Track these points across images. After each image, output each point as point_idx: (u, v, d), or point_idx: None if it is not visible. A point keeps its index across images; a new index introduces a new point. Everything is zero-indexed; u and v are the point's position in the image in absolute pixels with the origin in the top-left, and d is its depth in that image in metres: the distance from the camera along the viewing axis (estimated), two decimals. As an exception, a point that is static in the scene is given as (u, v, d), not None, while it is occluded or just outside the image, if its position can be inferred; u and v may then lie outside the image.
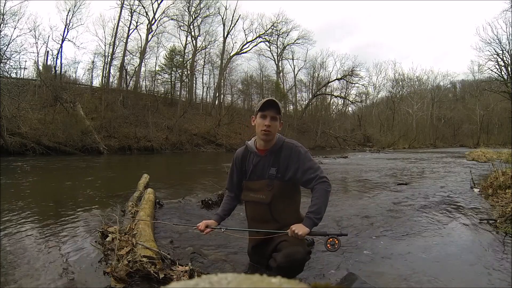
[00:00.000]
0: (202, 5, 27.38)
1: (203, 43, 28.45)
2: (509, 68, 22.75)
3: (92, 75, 24.20)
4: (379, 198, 4.26)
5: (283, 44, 33.67)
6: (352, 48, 73.44)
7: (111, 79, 24.40)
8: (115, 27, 23.66)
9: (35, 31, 20.28)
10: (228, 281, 0.30)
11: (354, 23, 77.44)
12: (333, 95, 36.79)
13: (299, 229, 1.53)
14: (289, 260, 1.51)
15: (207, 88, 31.39)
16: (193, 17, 27.21)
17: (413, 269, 1.92)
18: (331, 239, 1.51)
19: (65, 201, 3.94)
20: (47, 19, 49.09)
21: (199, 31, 28.03)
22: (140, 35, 25.95)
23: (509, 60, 22.51)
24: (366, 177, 6.81)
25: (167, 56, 27.51)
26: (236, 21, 29.62)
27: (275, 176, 1.75)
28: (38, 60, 20.89)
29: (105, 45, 23.61)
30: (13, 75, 15.51)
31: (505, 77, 23.07)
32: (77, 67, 36.40)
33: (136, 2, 24.35)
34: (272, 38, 32.69)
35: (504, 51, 22.67)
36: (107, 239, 2.03)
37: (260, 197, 1.77)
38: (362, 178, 6.76)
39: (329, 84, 35.65)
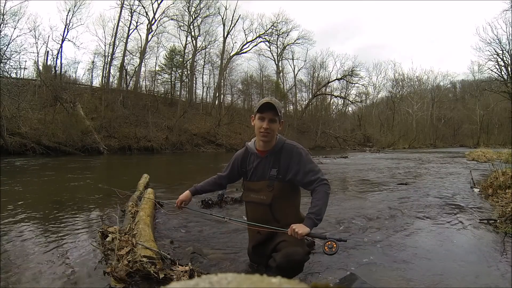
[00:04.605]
0: (202, 5, 27.39)
1: (203, 43, 28.48)
2: (509, 68, 22.73)
3: (92, 75, 24.21)
4: (379, 198, 4.26)
5: (283, 44, 33.67)
6: (354, 50, 73.80)
7: (111, 79, 24.40)
8: (115, 27, 23.66)
9: (35, 31, 20.31)
10: (228, 281, 0.30)
11: (356, 25, 77.72)
12: (333, 95, 36.81)
13: (299, 228, 1.54)
14: (289, 260, 1.51)
15: (207, 88, 31.43)
16: (193, 17, 27.21)
17: (413, 269, 1.92)
18: (329, 242, 1.50)
19: (65, 201, 3.94)
20: (47, 19, 48.96)
21: (199, 31, 28.04)
22: (140, 35, 25.95)
23: (509, 60, 22.49)
24: (366, 177, 6.81)
25: (167, 56, 27.53)
26: (236, 21, 29.65)
27: (276, 177, 1.75)
28: (38, 60, 20.90)
29: (105, 45, 23.62)
30: (13, 75, 15.51)
31: (505, 77, 23.05)
32: (77, 67, 36.41)
33: (136, 2, 24.37)
34: (272, 38, 32.71)
35: (504, 51, 22.64)
36: (107, 239, 2.03)
37: (261, 197, 1.77)
38: (362, 178, 6.76)
39: (329, 84, 35.67)
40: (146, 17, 25.23)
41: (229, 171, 1.98)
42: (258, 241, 1.81)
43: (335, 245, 1.49)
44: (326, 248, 1.49)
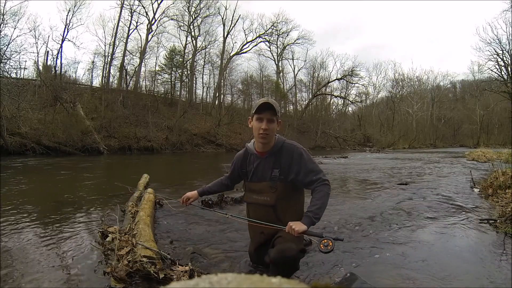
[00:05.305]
0: (202, 5, 27.38)
1: (203, 43, 28.47)
2: (509, 68, 22.72)
3: (92, 75, 24.23)
4: (379, 199, 4.26)
5: (283, 44, 33.67)
6: (354, 50, 73.91)
7: (111, 79, 24.39)
8: (115, 27, 23.66)
9: (35, 31, 20.31)
10: (228, 281, 0.30)
11: (356, 25, 77.80)
12: (333, 95, 36.80)
13: (297, 225, 1.54)
14: (282, 256, 1.51)
15: (207, 88, 31.44)
16: (193, 17, 27.20)
17: (413, 268, 1.92)
18: (325, 240, 1.51)
19: (65, 201, 3.94)
20: (47, 19, 48.93)
21: (199, 31, 28.02)
22: (140, 35, 25.94)
23: (509, 60, 22.49)
24: (366, 177, 6.81)
25: (167, 56, 27.53)
26: (236, 21, 29.62)
27: (278, 178, 1.74)
28: (38, 60, 20.90)
29: (105, 45, 23.62)
30: (13, 75, 15.51)
31: (505, 77, 23.04)
32: (77, 67, 36.42)
33: (136, 2, 24.36)
34: (272, 38, 32.68)
35: (504, 51, 22.64)
36: (107, 239, 2.03)
37: (264, 199, 1.77)
38: (362, 178, 6.76)
39: (329, 84, 35.67)
40: (146, 17, 25.25)
41: (231, 173, 1.99)
42: (260, 242, 1.81)
43: (330, 243, 1.50)
44: (321, 246, 1.50)
